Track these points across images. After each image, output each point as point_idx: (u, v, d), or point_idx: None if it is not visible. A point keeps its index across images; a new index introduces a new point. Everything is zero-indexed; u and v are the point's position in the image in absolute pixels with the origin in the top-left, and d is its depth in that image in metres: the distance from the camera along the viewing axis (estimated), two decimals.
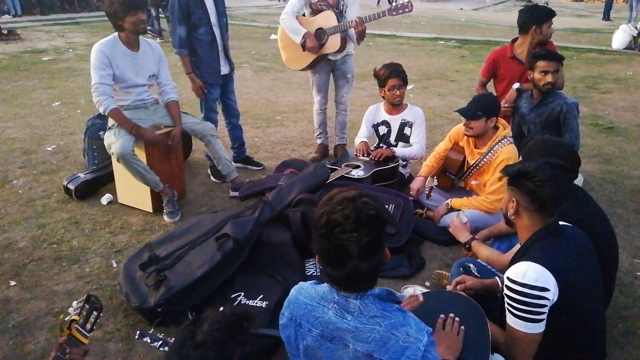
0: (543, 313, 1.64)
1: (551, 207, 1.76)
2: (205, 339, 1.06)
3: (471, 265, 2.29)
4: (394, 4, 3.78)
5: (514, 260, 1.77)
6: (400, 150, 3.68)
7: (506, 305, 1.71)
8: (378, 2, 18.92)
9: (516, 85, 3.52)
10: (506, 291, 1.69)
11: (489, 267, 2.32)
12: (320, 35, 3.86)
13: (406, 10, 3.66)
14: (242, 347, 1.07)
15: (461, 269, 2.28)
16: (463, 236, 2.69)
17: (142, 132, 3.19)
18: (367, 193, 1.36)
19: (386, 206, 2.85)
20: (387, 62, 3.70)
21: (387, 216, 1.34)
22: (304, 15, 3.99)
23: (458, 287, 2.11)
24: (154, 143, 3.28)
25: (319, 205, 1.35)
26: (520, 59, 3.63)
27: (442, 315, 1.79)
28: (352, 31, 3.79)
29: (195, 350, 1.05)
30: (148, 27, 10.71)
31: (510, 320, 1.70)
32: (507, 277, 1.70)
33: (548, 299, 1.62)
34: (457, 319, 1.77)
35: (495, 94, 3.76)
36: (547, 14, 3.53)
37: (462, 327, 1.76)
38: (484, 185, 3.12)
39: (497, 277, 2.16)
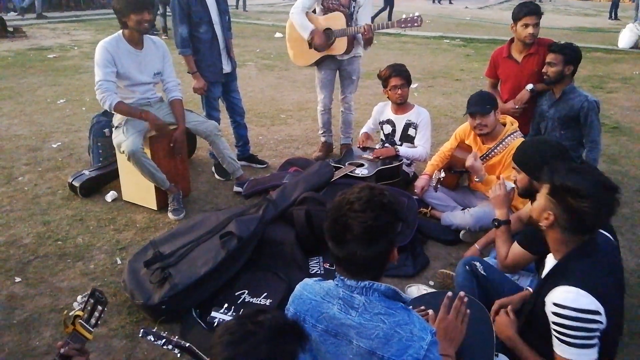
0: (596, 337, 1.55)
1: (590, 232, 1.64)
2: (265, 321, 1.20)
3: (478, 264, 2.24)
4: (404, 17, 3.73)
5: (551, 280, 1.65)
6: (404, 150, 3.67)
7: (555, 334, 1.59)
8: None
9: (530, 86, 3.48)
10: (555, 318, 1.57)
11: (494, 267, 2.31)
12: (328, 35, 3.85)
13: (415, 24, 3.66)
14: (289, 345, 1.20)
15: (467, 267, 2.24)
16: (501, 211, 2.39)
17: (150, 116, 3.21)
18: (389, 189, 1.39)
19: None
20: (391, 63, 3.70)
21: (400, 212, 1.35)
22: (314, 12, 3.98)
23: (506, 309, 1.98)
24: (158, 129, 3.28)
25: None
26: (515, 59, 3.60)
27: (449, 293, 1.72)
28: (360, 35, 3.78)
29: (252, 324, 1.19)
30: (161, 26, 10.76)
31: (562, 349, 1.57)
32: (556, 304, 1.57)
33: (601, 323, 1.53)
34: (465, 298, 1.69)
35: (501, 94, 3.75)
36: (519, 12, 3.42)
37: (468, 310, 1.71)
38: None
39: (527, 288, 2.12)
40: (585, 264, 1.61)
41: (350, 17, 3.82)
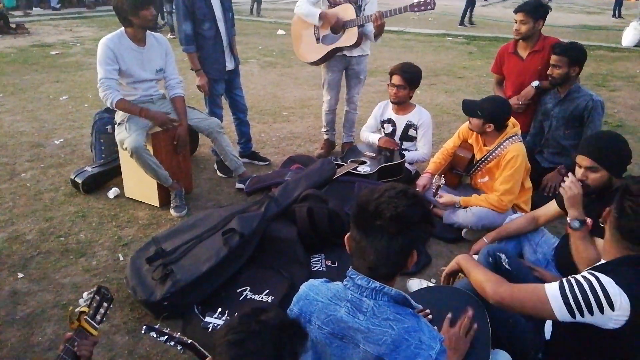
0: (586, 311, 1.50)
1: (629, 239, 1.55)
2: (268, 320, 1.18)
3: (503, 257, 2.14)
4: (416, 0, 3.63)
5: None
6: (407, 155, 3.70)
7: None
8: None
9: (535, 83, 3.48)
10: None
11: (521, 261, 2.27)
12: (337, 27, 3.82)
13: (429, 7, 3.58)
14: (293, 344, 1.20)
15: (490, 258, 2.15)
16: (578, 211, 2.10)
17: (151, 114, 3.21)
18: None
19: None
20: (405, 62, 3.70)
21: (429, 214, 1.34)
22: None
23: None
24: (163, 124, 3.29)
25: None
26: (520, 55, 3.60)
27: (449, 315, 1.75)
28: (369, 27, 3.74)
29: (256, 323, 1.17)
30: (164, 22, 10.80)
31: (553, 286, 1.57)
32: None
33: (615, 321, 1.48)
34: (469, 314, 1.72)
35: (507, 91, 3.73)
36: (518, 8, 3.51)
37: (475, 325, 1.72)
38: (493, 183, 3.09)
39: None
40: (635, 268, 1.53)
41: (359, 10, 3.78)
